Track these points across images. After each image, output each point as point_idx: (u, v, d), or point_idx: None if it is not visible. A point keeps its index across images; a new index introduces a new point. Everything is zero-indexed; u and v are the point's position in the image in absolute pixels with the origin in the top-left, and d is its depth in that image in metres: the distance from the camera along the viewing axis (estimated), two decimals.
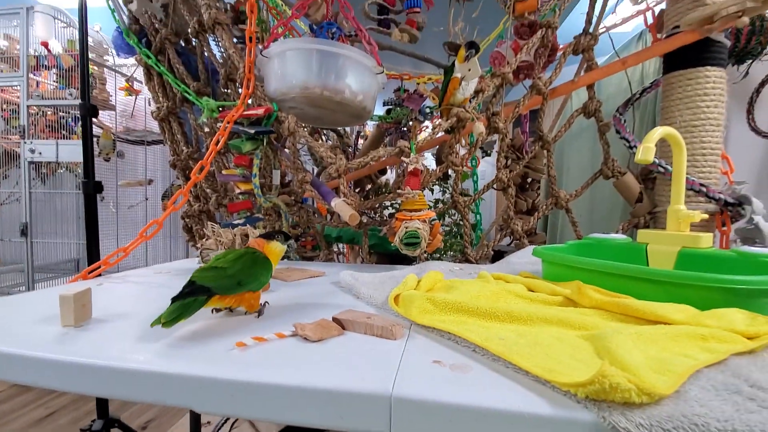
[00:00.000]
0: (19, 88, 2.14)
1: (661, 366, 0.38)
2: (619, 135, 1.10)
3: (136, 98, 2.43)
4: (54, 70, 2.18)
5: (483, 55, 1.42)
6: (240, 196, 1.04)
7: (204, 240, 0.81)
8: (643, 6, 1.24)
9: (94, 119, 1.32)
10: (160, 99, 1.18)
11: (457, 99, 1.01)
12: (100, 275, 0.85)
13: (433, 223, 0.96)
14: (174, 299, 0.48)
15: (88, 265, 0.85)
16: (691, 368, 0.38)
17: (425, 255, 1.03)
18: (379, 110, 2.03)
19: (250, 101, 1.07)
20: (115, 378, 0.41)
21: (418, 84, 1.67)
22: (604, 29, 1.56)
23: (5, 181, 2.49)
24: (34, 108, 2.28)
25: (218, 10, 1.08)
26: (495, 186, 1.17)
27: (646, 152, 0.72)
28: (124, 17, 1.15)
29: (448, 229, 2.10)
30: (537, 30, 1.07)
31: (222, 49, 1.15)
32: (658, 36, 1.12)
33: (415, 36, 1.13)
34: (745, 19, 0.91)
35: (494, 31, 1.39)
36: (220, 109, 1.06)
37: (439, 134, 1.09)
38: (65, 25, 2.24)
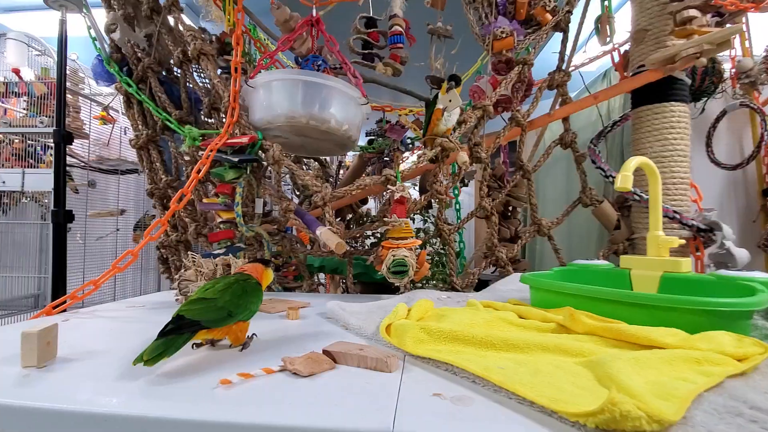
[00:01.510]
0: None
1: (663, 391, 0.38)
2: (594, 165, 1.14)
3: (113, 127, 2.38)
4: (24, 98, 2.12)
5: (463, 90, 1.47)
6: (221, 225, 1.01)
7: (182, 271, 0.77)
8: (609, 47, 1.33)
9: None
10: (140, 127, 1.16)
11: (440, 129, 1.03)
12: (65, 311, 0.79)
13: (419, 251, 0.96)
14: (160, 335, 0.45)
15: (52, 300, 0.79)
16: (692, 392, 0.37)
17: (410, 284, 1.02)
18: (362, 141, 2.05)
19: (236, 130, 1.06)
20: (86, 424, 0.37)
21: (399, 116, 1.71)
22: (574, 67, 1.66)
23: None
24: (0, 135, 2.19)
25: (203, 41, 1.09)
26: (478, 214, 1.18)
27: (624, 180, 0.74)
28: (106, 46, 1.14)
29: (430, 258, 2.10)
30: (514, 66, 1.13)
31: (205, 79, 1.14)
32: (625, 74, 1.19)
33: (398, 70, 1.16)
34: (704, 60, 0.98)
35: (473, 67, 1.45)
36: (203, 137, 1.04)
37: (423, 164, 1.10)
38: (39, 52, 2.20)
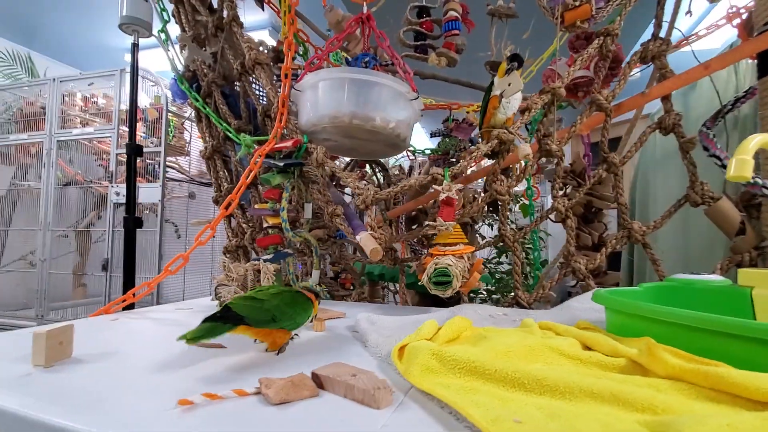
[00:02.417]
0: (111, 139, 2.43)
1: None
2: (707, 153, 0.90)
3: None
4: (139, 123, 2.46)
5: (536, 77, 1.29)
6: (269, 231, 1.01)
7: (219, 276, 0.77)
8: (725, 5, 1.06)
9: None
10: (207, 139, 1.23)
11: (498, 119, 0.90)
12: (133, 307, 0.84)
13: (471, 259, 0.84)
14: (206, 320, 0.49)
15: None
16: None
17: (463, 297, 0.90)
18: (428, 142, 1.96)
19: (285, 134, 1.06)
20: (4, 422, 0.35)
21: (467, 113, 1.58)
22: (685, 42, 1.37)
23: (99, 221, 2.81)
24: (124, 156, 2.57)
25: (259, 51, 1.12)
26: (552, 217, 1.01)
27: (740, 166, 0.55)
28: (180, 65, 1.24)
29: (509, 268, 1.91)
30: (594, 40, 0.95)
31: (263, 89, 1.17)
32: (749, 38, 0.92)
33: (453, 59, 1.06)
34: None
35: (548, 49, 1.27)
36: (256, 144, 1.06)
37: (485, 162, 0.98)
38: (153, 83, 2.55)
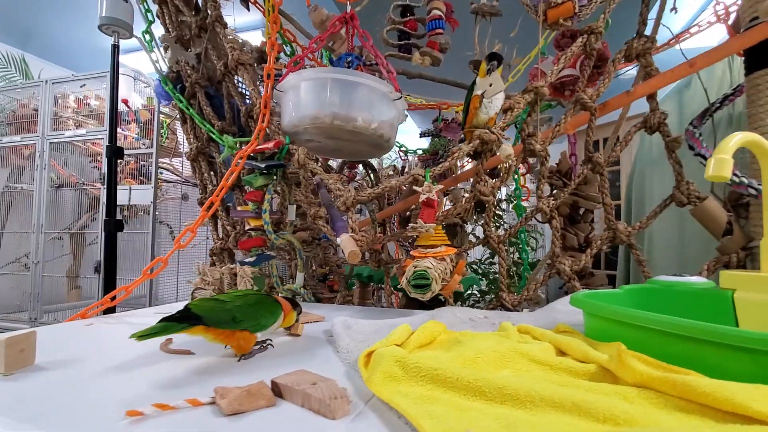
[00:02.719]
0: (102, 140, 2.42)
1: None
2: (693, 152, 0.89)
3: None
4: (132, 124, 2.45)
5: (524, 75, 1.28)
6: (252, 233, 1.00)
7: (195, 280, 0.76)
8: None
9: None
10: (192, 140, 1.22)
11: (481, 119, 0.89)
12: (114, 310, 0.83)
13: (454, 261, 0.83)
14: (163, 319, 0.48)
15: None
16: None
17: (448, 299, 0.89)
18: (418, 142, 1.95)
19: (269, 135, 1.05)
20: None
21: (456, 113, 1.57)
22: (674, 41, 1.35)
23: (93, 222, 2.80)
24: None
25: (242, 52, 1.11)
26: (538, 218, 1.00)
27: (719, 165, 0.54)
28: (164, 66, 1.23)
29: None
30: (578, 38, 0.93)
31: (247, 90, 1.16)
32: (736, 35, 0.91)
33: (437, 58, 1.05)
34: None
35: (534, 49, 1.26)
36: (239, 145, 1.05)
37: (468, 163, 0.97)
38: (146, 85, 2.54)
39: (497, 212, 1.83)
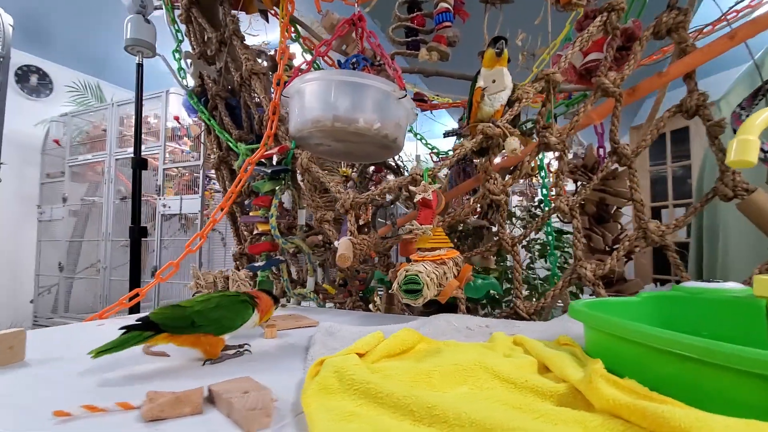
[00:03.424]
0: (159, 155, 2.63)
1: None
2: None
3: None
4: (185, 139, 2.64)
5: (549, 65, 1.21)
6: (262, 238, 1.01)
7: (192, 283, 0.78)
8: None
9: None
10: (215, 150, 1.27)
11: (486, 113, 0.83)
12: (133, 313, 0.88)
13: (455, 265, 0.78)
14: (124, 328, 0.48)
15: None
16: None
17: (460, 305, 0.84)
18: (440, 142, 1.89)
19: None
20: None
21: None
22: (725, 21, 1.18)
23: (153, 231, 3.05)
24: (174, 170, 2.77)
25: (255, 62, 1.14)
26: (559, 217, 0.91)
27: (742, 149, 0.45)
28: (191, 82, 1.30)
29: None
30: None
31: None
32: None
33: (445, 53, 1.00)
34: None
35: (560, 35, 1.16)
36: (249, 152, 1.08)
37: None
38: None
39: (535, 212, 1.72)
